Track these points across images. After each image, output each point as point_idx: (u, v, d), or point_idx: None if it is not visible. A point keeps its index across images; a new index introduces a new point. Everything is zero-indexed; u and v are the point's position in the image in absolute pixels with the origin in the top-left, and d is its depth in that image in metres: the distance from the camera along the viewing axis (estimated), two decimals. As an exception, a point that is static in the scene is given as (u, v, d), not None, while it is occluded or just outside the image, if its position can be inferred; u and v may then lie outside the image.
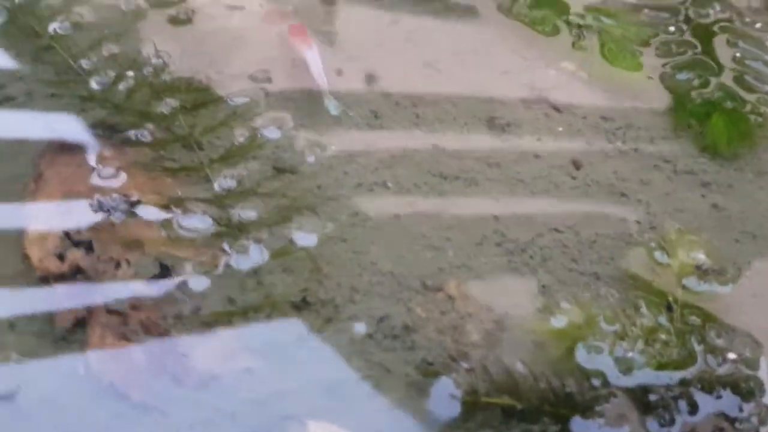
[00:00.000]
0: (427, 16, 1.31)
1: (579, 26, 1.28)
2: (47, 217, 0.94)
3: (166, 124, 1.07)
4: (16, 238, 0.93)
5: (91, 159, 1.02)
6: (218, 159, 1.04)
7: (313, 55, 1.19)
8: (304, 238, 0.97)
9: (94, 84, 1.10)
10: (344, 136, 1.11)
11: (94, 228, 0.94)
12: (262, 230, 0.97)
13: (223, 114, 1.09)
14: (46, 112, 1.07)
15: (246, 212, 0.99)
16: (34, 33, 1.16)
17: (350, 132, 1.12)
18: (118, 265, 0.90)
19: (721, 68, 1.23)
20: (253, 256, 0.93)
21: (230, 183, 1.02)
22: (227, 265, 0.93)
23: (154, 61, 1.13)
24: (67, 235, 0.92)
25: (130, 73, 1.11)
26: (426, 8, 1.32)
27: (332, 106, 1.14)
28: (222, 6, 1.25)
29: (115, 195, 0.95)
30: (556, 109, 1.19)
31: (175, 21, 1.20)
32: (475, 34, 1.29)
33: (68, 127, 1.06)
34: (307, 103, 1.13)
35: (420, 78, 1.21)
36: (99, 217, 0.94)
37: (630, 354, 0.88)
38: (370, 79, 1.21)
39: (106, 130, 1.06)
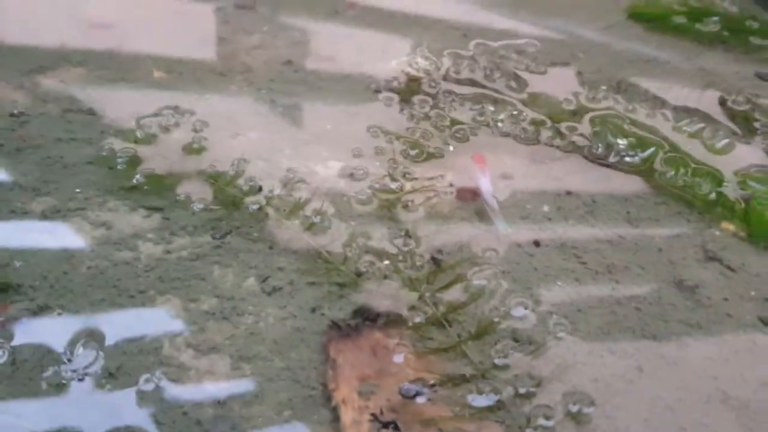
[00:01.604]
0: (594, 184, 1.51)
1: (735, 190, 1.48)
2: (354, 402, 1.10)
3: (417, 307, 1.24)
4: (331, 421, 1.08)
5: (366, 343, 1.18)
6: (471, 336, 1.21)
7: (485, 181, 1.44)
8: (573, 407, 1.13)
9: (348, 271, 1.28)
10: (564, 306, 1.28)
11: (393, 408, 1.10)
12: (530, 402, 1.13)
13: (464, 294, 1.27)
14: (311, 300, 1.24)
15: (511, 385, 1.15)
16: (281, 225, 1.35)
17: (566, 301, 1.29)
18: (424, 443, 1.06)
19: None
20: (546, 428, 1.09)
21: (483, 357, 1.18)
22: (509, 437, 1.09)
23: (395, 246, 1.32)
24: (374, 417, 1.08)
25: (385, 262, 1.29)
26: (591, 176, 1.53)
27: (501, 226, 1.39)
28: (419, 194, 1.44)
29: (417, 381, 1.11)
30: (730, 268, 1.38)
31: (397, 207, 1.39)
32: (641, 202, 1.48)
33: (335, 313, 1.22)
34: (524, 272, 1.31)
35: (608, 246, 1.40)
36: (395, 399, 1.10)
37: None
38: (564, 247, 1.40)
39: (369, 315, 1.23)
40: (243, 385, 1.12)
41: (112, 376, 1.09)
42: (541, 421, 1.10)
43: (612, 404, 1.15)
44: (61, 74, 1.62)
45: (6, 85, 1.56)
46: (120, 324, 1.16)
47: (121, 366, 1.10)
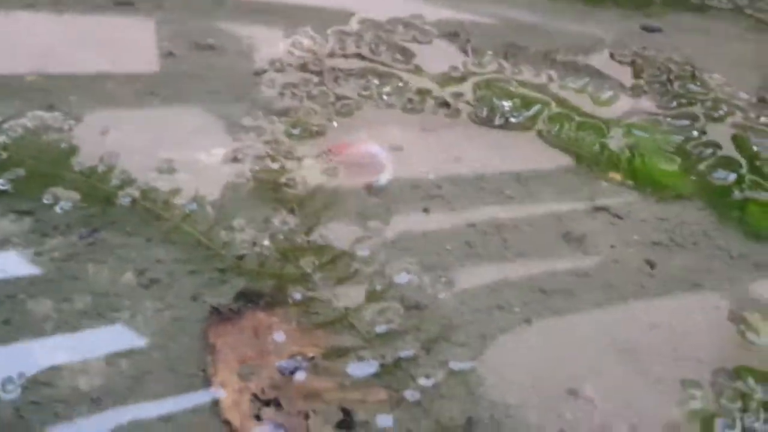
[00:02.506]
0: (483, 149, 1.51)
1: (620, 140, 1.49)
2: (233, 384, 1.06)
3: (301, 283, 1.22)
4: (211, 407, 1.05)
5: (248, 324, 1.15)
6: (356, 308, 1.19)
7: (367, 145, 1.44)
8: (453, 364, 1.11)
9: (228, 256, 1.25)
10: (453, 268, 1.27)
11: (275, 386, 1.07)
12: (416, 363, 1.11)
13: (348, 265, 1.25)
14: (192, 289, 1.20)
15: (396, 350, 1.13)
16: (158, 216, 1.31)
17: (454, 264, 1.28)
18: (307, 416, 1.03)
19: (747, 162, 1.45)
20: (426, 387, 1.07)
21: (372, 327, 1.16)
22: (397, 400, 1.06)
23: (278, 226, 1.29)
24: (255, 397, 1.05)
25: (265, 242, 1.26)
26: (480, 141, 1.52)
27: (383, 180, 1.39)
28: (303, 172, 1.42)
29: (296, 356, 1.08)
30: (618, 216, 1.38)
31: (278, 187, 1.36)
32: (530, 161, 1.48)
33: (218, 299, 1.19)
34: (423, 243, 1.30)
35: (498, 208, 1.39)
36: (277, 376, 1.07)
37: (756, 424, 1.04)
38: (454, 212, 1.39)
39: (252, 296, 1.20)
40: (118, 381, 1.08)
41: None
42: (422, 381, 1.08)
43: (499, 359, 1.14)
44: (-72, 86, 1.56)
45: None
46: (-15, 331, 1.11)
47: (-13, 372, 1.06)
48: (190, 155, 1.43)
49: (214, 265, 1.24)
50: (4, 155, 1.37)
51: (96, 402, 1.05)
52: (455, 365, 1.10)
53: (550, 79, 1.66)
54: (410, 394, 1.07)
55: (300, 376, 1.07)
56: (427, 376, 1.08)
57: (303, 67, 1.64)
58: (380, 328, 1.16)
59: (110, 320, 1.15)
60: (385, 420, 1.03)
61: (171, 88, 1.60)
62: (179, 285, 1.21)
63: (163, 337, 1.14)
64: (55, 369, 1.08)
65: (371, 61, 1.67)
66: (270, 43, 1.73)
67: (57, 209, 1.29)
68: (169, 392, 1.07)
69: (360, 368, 1.09)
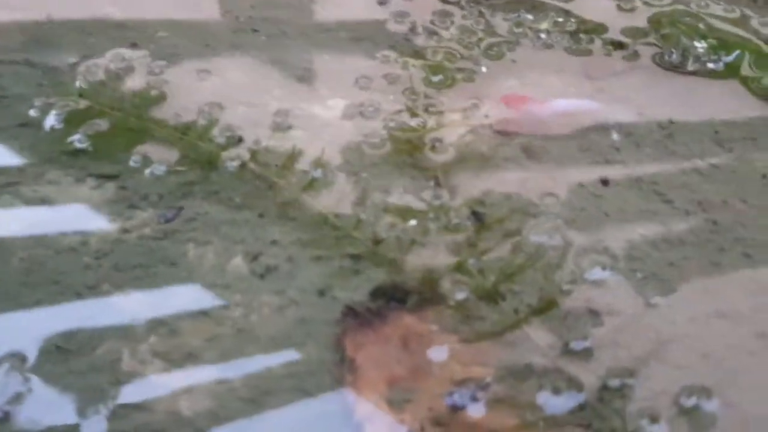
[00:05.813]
0: (669, 100, 1.19)
1: None
2: (382, 417, 0.80)
3: (458, 278, 0.94)
4: (355, 445, 0.80)
5: (395, 332, 0.88)
6: (534, 311, 0.91)
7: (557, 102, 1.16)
8: (681, 399, 0.83)
9: (364, 238, 0.98)
10: (640, 253, 0.97)
11: (438, 421, 0.80)
12: (622, 394, 0.83)
13: (519, 254, 0.96)
14: (318, 281, 0.94)
15: (592, 374, 0.85)
16: (272, 185, 1.04)
17: (646, 249, 0.98)
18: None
19: None
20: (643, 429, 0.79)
21: (553, 339, 0.88)
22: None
23: (426, 200, 1.01)
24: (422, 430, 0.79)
25: (411, 223, 0.98)
26: (663, 91, 1.20)
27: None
28: (448, 130, 1.13)
29: (467, 382, 0.81)
30: None
31: (420, 150, 1.08)
32: (732, 117, 1.16)
33: (350, 295, 0.92)
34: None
35: (697, 177, 1.08)
36: (441, 407, 0.81)
37: None
38: (640, 183, 1.08)
39: (394, 293, 0.93)
40: (230, 406, 0.83)
41: (51, 407, 0.80)
42: (643, 423, 0.79)
43: (732, 386, 0.84)
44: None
45: None
46: (63, 333, 0.87)
47: (65, 390, 0.82)
48: (303, 108, 1.16)
49: (344, 250, 0.97)
50: (81, 104, 1.12)
51: (202, 432, 0.81)
52: (688, 401, 0.81)
53: (747, 14, 1.31)
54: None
55: (475, 410, 0.79)
56: (653, 419, 0.80)
57: (435, -2, 1.33)
58: (573, 344, 0.87)
59: (218, 321, 0.90)
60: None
61: (274, 24, 1.32)
62: (302, 275, 0.95)
63: (285, 345, 0.88)
64: (151, 386, 0.84)
65: (519, -10, 1.35)
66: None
67: (147, 173, 1.04)
68: (301, 422, 0.81)
69: (554, 401, 0.81)
